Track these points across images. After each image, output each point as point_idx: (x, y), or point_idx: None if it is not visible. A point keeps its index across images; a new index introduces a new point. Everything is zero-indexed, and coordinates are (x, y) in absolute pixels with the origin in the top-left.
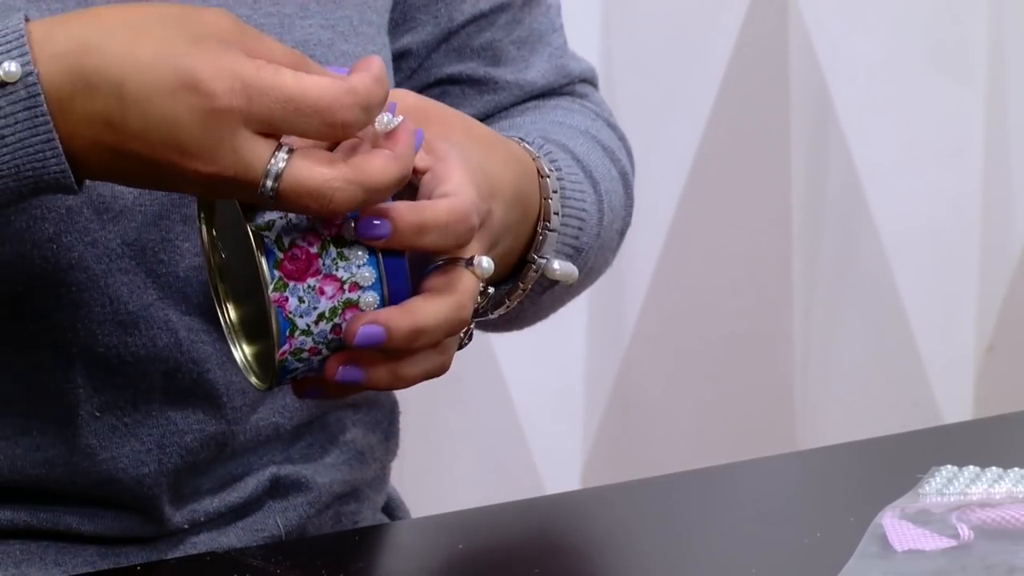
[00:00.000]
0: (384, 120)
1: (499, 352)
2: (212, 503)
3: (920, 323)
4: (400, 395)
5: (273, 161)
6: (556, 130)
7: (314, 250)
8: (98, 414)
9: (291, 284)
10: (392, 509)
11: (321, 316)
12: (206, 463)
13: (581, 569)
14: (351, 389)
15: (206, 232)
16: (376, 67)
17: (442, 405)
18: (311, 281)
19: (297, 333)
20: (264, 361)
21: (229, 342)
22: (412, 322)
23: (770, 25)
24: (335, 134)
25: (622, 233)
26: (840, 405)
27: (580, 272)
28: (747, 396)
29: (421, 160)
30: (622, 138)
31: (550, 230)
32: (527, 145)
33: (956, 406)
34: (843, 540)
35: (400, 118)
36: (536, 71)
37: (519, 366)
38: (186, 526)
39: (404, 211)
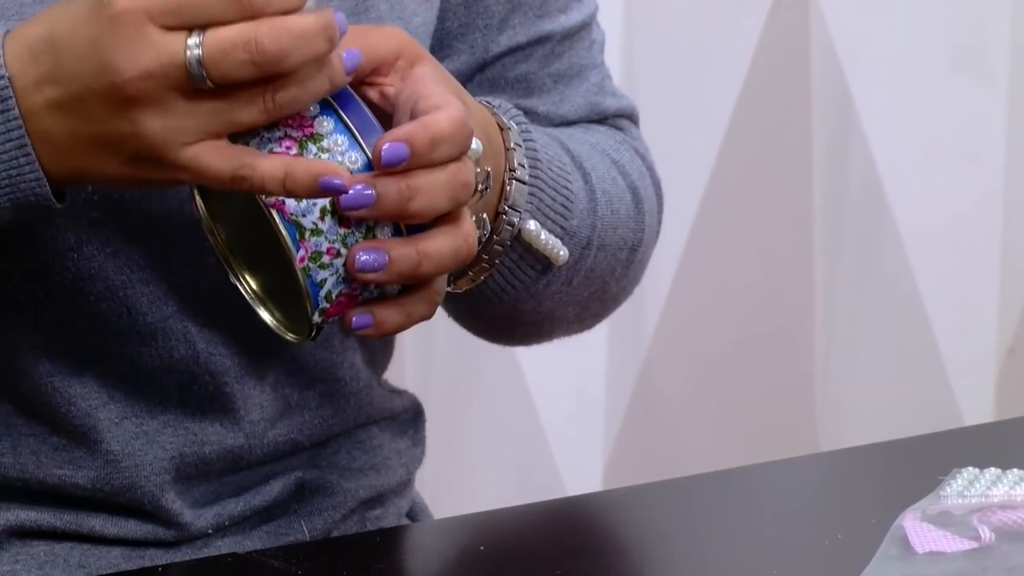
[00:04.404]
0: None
1: (520, 355)
2: (237, 506)
3: (941, 325)
4: (423, 397)
5: (191, 37)
6: (556, 132)
7: (294, 152)
8: (117, 421)
9: None
10: (415, 514)
11: (324, 211)
12: (223, 474)
13: (602, 570)
14: (393, 317)
15: (204, 210)
16: None
17: (464, 408)
18: None
19: (308, 234)
20: (295, 318)
21: (256, 309)
22: (429, 133)
23: (791, 26)
24: (245, 12)
25: (633, 249)
26: (861, 407)
27: (581, 267)
28: (768, 398)
29: (393, 84)
30: (650, 168)
31: (517, 179)
32: (487, 103)
33: (977, 408)
34: (864, 542)
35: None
36: (570, 106)
37: (540, 368)
38: (210, 531)
39: (417, 132)
